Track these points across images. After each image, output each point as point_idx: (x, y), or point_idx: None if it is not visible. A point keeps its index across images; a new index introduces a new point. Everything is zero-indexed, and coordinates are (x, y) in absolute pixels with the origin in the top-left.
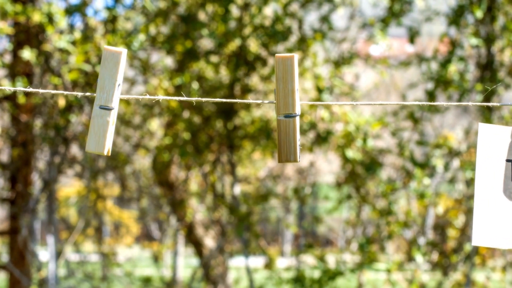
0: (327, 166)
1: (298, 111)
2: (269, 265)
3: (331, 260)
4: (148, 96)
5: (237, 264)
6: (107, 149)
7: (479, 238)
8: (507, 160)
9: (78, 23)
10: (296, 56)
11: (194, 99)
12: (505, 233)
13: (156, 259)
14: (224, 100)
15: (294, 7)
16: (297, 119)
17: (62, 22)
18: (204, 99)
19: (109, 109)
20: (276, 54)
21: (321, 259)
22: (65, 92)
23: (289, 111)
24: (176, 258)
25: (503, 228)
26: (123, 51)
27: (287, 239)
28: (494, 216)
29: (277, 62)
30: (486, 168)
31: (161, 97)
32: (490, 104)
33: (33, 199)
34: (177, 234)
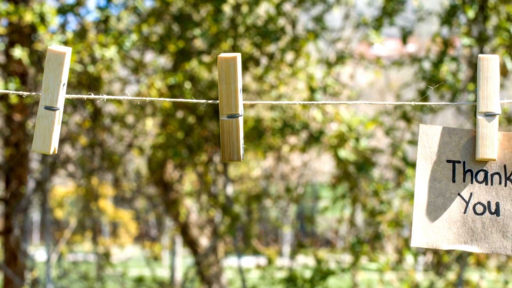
0: (327, 167)
1: (241, 111)
2: (268, 265)
3: (328, 260)
4: (95, 96)
5: (236, 264)
6: (53, 148)
7: (419, 239)
8: (448, 161)
9: (71, 23)
10: (239, 56)
11: (147, 98)
12: (445, 234)
13: (155, 259)
14: (167, 99)
15: (287, 7)
16: (240, 119)
17: (54, 21)
18: (155, 99)
19: (54, 110)
20: (219, 55)
21: (317, 259)
22: (20, 93)
23: (232, 111)
24: (174, 258)
25: (443, 229)
26: (67, 51)
27: (286, 239)
28: (434, 217)
29: (220, 63)
30: (427, 169)
31: (107, 96)
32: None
33: (25, 199)
34: (174, 234)
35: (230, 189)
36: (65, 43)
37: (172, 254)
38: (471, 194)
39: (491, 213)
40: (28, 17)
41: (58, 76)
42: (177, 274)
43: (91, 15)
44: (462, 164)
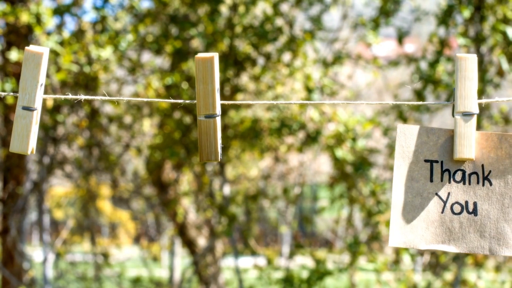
0: (326, 167)
1: (218, 111)
2: (268, 266)
3: (327, 260)
4: (74, 96)
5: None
6: (31, 148)
7: (396, 238)
8: (425, 160)
9: (68, 24)
10: (217, 56)
11: (124, 98)
12: (422, 234)
13: (155, 259)
14: (155, 100)
15: (285, 7)
16: (218, 119)
17: (50, 22)
18: (128, 98)
19: (32, 110)
20: (196, 55)
21: (316, 259)
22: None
23: (210, 111)
24: (173, 258)
25: (420, 229)
26: (45, 52)
27: (286, 240)
28: (411, 217)
29: (197, 63)
30: (404, 168)
31: (84, 97)
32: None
33: (21, 200)
34: (173, 235)
35: (227, 189)
36: (62, 43)
37: (171, 254)
38: (448, 193)
39: (468, 212)
40: (24, 18)
41: (35, 77)
42: (176, 275)
43: (88, 15)
44: (440, 163)
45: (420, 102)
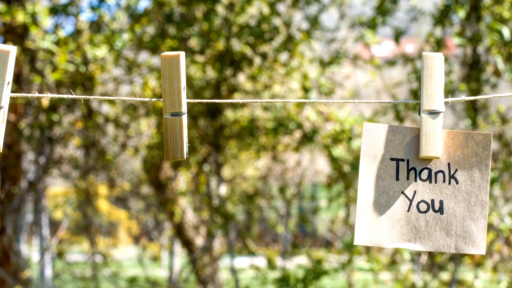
0: (325, 167)
1: (184, 109)
2: (268, 266)
3: (325, 260)
4: (40, 95)
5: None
6: None
7: (362, 237)
8: (391, 159)
9: (64, 23)
10: (183, 54)
11: (86, 97)
12: (388, 232)
13: (155, 259)
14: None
15: (281, 8)
16: (184, 117)
17: (46, 21)
18: (89, 97)
19: None
20: (162, 53)
21: (316, 259)
22: None
23: (176, 109)
24: (172, 258)
25: (386, 227)
26: (12, 49)
27: (286, 240)
28: (377, 215)
29: (163, 61)
30: (371, 167)
31: (48, 95)
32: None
33: (17, 199)
34: (172, 235)
35: (223, 189)
36: (57, 43)
37: (170, 254)
38: (414, 192)
39: (434, 211)
40: (20, 17)
41: (2, 75)
42: (176, 275)
43: (84, 15)
44: (406, 162)
45: (385, 101)
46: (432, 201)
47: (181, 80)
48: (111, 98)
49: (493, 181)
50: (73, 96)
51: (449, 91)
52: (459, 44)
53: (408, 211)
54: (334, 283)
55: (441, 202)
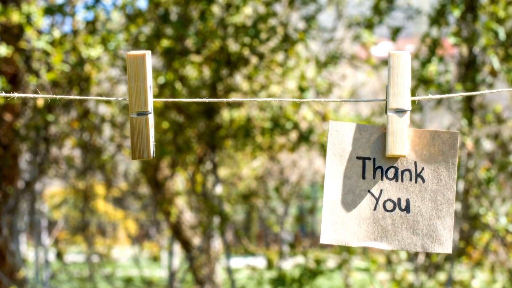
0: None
1: (150, 109)
2: (269, 266)
3: (323, 259)
4: (7, 94)
5: (232, 265)
6: None
7: (328, 236)
8: (358, 158)
9: (59, 23)
10: (149, 54)
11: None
12: (354, 231)
13: (155, 259)
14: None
15: (278, 8)
16: (150, 116)
17: (40, 22)
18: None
19: None
20: (128, 52)
21: (315, 260)
22: None
23: (142, 109)
24: (171, 258)
25: (352, 226)
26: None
27: (287, 240)
28: (343, 214)
29: (129, 60)
30: (337, 165)
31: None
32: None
33: (13, 199)
34: (170, 235)
35: (219, 189)
36: (52, 43)
37: (170, 254)
38: (381, 191)
39: (401, 210)
40: (15, 18)
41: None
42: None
43: (80, 15)
44: (373, 160)
45: (353, 99)
46: (399, 199)
47: (146, 79)
48: (78, 98)
49: (489, 181)
50: (52, 96)
51: (445, 91)
52: (455, 43)
53: (374, 210)
54: (331, 283)
55: (407, 201)
